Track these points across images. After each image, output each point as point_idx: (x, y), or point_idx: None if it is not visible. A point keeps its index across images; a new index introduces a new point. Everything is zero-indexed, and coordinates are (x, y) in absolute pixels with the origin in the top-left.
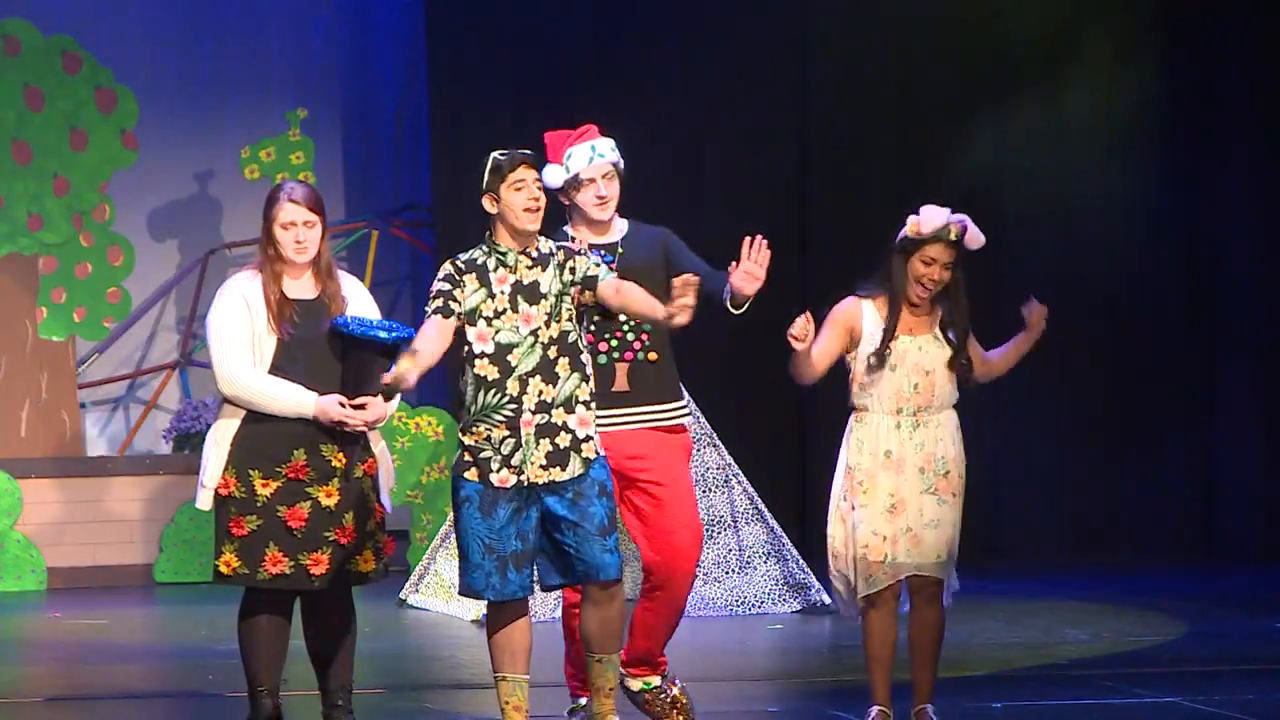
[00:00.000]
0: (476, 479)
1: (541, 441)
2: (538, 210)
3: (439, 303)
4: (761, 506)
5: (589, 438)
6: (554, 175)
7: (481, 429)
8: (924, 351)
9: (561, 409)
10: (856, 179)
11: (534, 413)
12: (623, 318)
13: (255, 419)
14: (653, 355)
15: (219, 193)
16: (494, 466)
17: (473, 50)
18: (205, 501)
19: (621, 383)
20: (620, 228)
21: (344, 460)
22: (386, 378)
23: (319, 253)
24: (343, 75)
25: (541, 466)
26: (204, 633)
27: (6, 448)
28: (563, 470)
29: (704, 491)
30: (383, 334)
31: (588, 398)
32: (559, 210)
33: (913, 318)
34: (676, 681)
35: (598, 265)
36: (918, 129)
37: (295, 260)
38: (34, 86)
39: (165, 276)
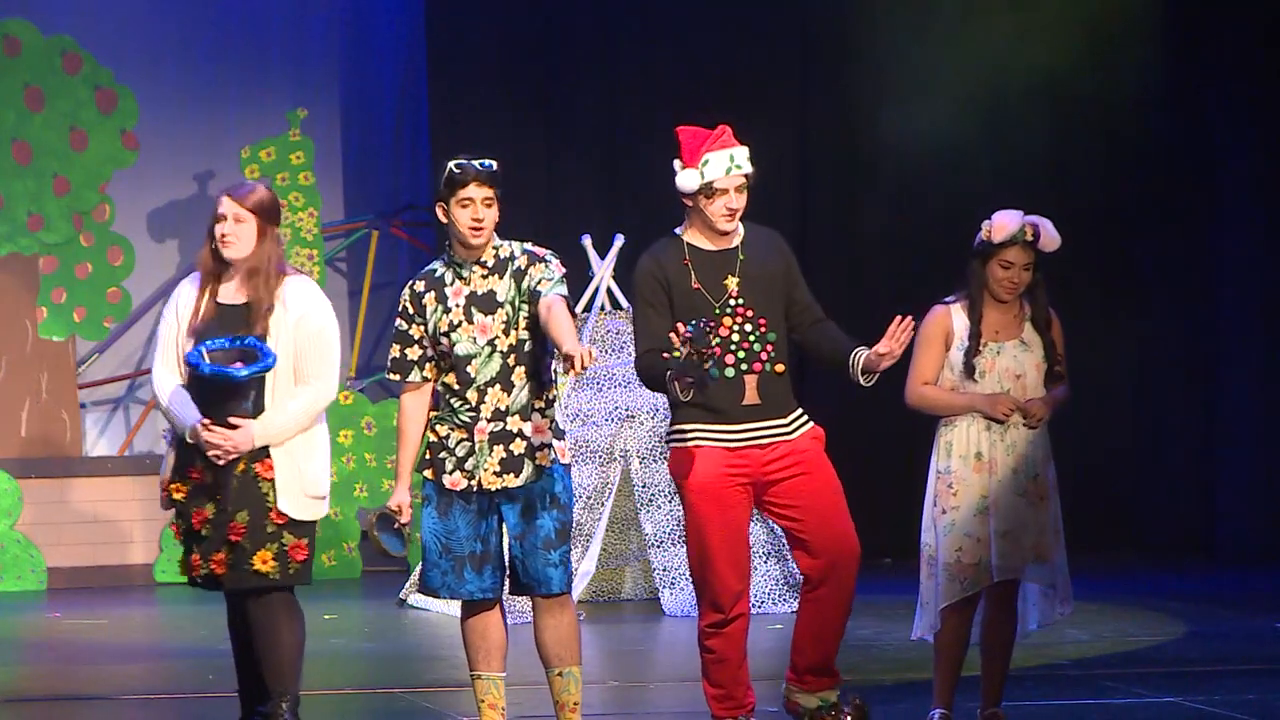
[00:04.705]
0: (432, 478)
1: (495, 448)
2: (481, 229)
3: (399, 374)
4: None
5: (545, 445)
6: (688, 180)
7: (442, 429)
8: (1013, 357)
9: (517, 416)
10: (856, 167)
11: (489, 420)
12: (749, 328)
13: None
14: (779, 367)
15: (219, 193)
16: (447, 468)
17: (473, 50)
18: (161, 501)
19: (751, 396)
20: (738, 232)
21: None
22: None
23: (254, 256)
24: (343, 75)
25: (495, 473)
26: (204, 633)
27: (6, 448)
28: (516, 476)
29: None
30: (240, 373)
31: (545, 405)
32: (677, 208)
33: (1000, 321)
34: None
35: (549, 280)
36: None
37: (225, 255)
38: (34, 86)
39: (165, 276)
